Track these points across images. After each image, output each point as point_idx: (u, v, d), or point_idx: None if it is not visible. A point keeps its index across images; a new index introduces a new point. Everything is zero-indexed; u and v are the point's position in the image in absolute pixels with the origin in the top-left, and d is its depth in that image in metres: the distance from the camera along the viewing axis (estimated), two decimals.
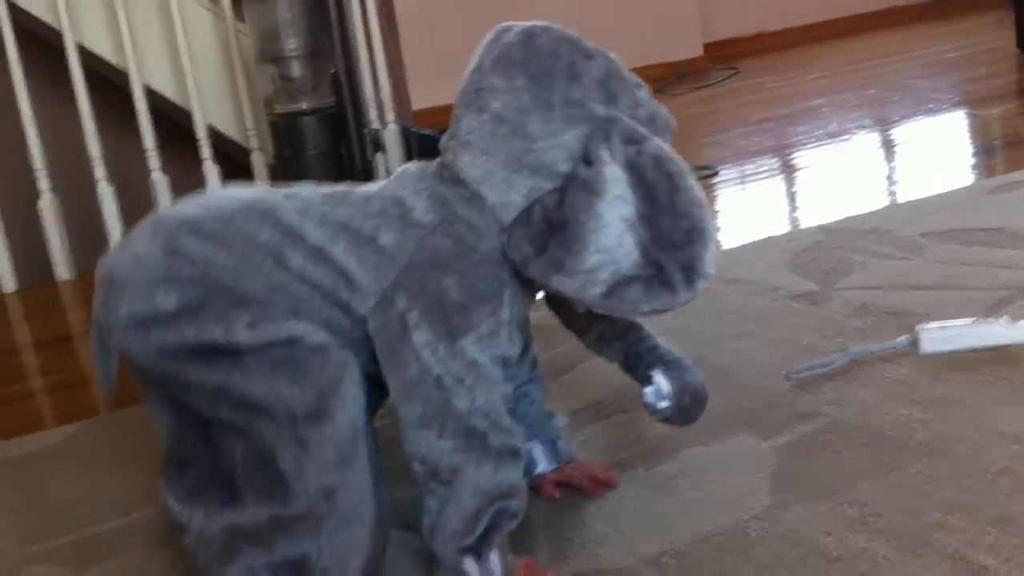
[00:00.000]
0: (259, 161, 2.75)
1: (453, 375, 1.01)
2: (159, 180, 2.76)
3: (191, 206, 1.08)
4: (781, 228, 2.28)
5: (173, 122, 2.91)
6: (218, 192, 1.11)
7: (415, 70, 4.23)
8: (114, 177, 2.73)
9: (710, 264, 1.04)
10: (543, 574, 1.07)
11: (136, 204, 2.81)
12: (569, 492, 1.25)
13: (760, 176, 2.82)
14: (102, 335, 1.05)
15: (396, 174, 1.13)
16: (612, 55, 1.09)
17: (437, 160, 1.11)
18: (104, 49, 2.74)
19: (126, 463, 1.48)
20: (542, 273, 1.02)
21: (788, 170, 2.85)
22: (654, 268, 1.02)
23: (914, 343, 1.50)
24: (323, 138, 2.15)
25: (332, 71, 2.18)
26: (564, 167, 1.03)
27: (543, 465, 1.25)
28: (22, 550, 1.29)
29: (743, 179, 2.80)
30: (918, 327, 1.51)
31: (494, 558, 1.03)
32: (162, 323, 1.00)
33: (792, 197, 2.57)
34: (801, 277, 1.88)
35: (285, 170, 2.18)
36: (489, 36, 1.09)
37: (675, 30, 4.89)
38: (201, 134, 2.78)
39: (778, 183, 2.73)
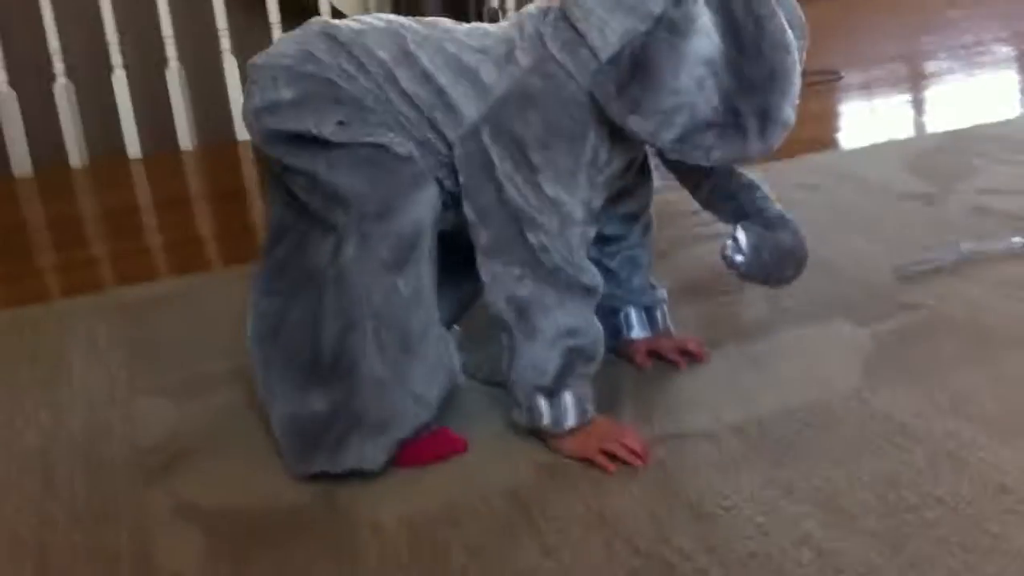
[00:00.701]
0: None
1: (529, 206, 1.03)
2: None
3: (356, 20, 1.13)
4: (904, 133, 2.21)
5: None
6: (383, 14, 1.15)
7: None
8: (238, 51, 2.78)
9: (788, 113, 1.00)
10: (624, 431, 1.08)
11: None
12: (660, 362, 1.26)
13: (887, 83, 2.73)
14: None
15: (520, 11, 1.14)
16: None
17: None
18: None
19: (232, 315, 1.53)
20: (619, 112, 1.01)
21: (916, 78, 2.75)
22: (732, 115, 0.99)
23: None
24: (441, 13, 2.13)
25: None
26: (657, 7, 1.01)
27: (637, 331, 1.25)
28: (132, 383, 1.35)
29: (869, 85, 2.71)
30: None
31: (568, 400, 1.05)
32: (277, 112, 1.07)
33: (918, 104, 2.48)
34: (919, 178, 1.83)
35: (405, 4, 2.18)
36: None
37: None
38: (324, 8, 2.80)
39: (905, 90, 2.64)
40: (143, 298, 1.66)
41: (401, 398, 1.06)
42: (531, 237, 1.03)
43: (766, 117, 0.99)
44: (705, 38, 0.99)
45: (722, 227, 1.46)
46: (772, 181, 1.80)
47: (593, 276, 1.07)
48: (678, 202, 1.76)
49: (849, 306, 1.36)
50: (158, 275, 1.80)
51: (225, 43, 2.77)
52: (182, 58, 2.77)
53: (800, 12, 1.08)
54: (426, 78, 1.07)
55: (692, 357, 1.26)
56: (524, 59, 1.06)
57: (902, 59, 2.97)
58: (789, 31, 1.00)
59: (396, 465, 1.07)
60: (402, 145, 1.06)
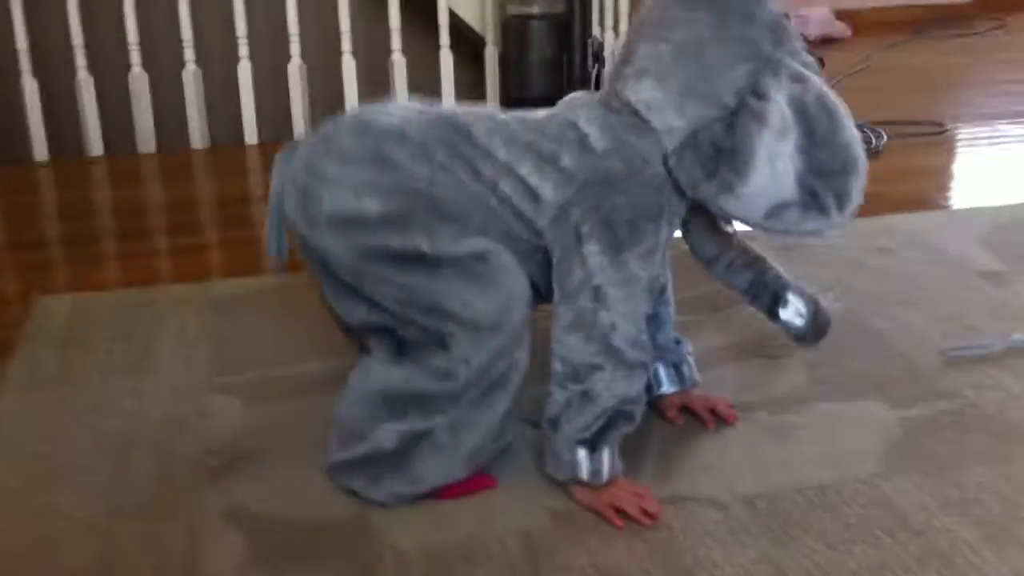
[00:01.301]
0: (492, 55, 2.86)
1: (612, 284, 1.12)
2: (398, 61, 2.92)
3: (391, 114, 1.17)
4: (991, 199, 2.22)
5: (424, 5, 3.04)
6: (408, 104, 1.22)
7: None
8: (359, 52, 2.90)
9: (859, 194, 1.13)
10: (641, 492, 1.16)
11: (376, 82, 2.99)
12: (689, 420, 1.33)
13: (989, 141, 2.72)
14: (291, 225, 1.17)
15: (564, 101, 1.22)
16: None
17: (604, 88, 1.19)
18: None
19: (315, 318, 1.64)
20: (712, 195, 1.11)
21: (1016, 139, 2.72)
22: (808, 195, 1.12)
23: None
24: (548, 43, 2.23)
25: None
26: (730, 98, 1.11)
27: (667, 386, 1.33)
28: (210, 379, 1.47)
29: (971, 141, 2.70)
30: None
31: (605, 455, 1.14)
32: (366, 226, 1.11)
33: (1014, 168, 2.46)
34: (992, 254, 1.85)
35: (511, 68, 2.28)
36: None
37: None
38: (443, 20, 2.90)
39: (1005, 152, 2.62)
40: (239, 293, 1.78)
41: (448, 464, 1.16)
42: (604, 316, 1.12)
43: (844, 198, 1.13)
44: (785, 127, 1.11)
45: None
46: (847, 242, 1.87)
47: (649, 351, 1.17)
48: None
49: (887, 385, 1.41)
50: (259, 270, 1.91)
51: (346, 44, 2.89)
52: (304, 54, 2.90)
53: (814, 60, 1.19)
54: (507, 170, 1.14)
55: (721, 419, 1.33)
56: (599, 144, 1.14)
57: (1011, 116, 2.94)
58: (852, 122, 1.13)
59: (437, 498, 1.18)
60: (500, 251, 1.13)
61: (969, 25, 4.40)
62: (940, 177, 2.38)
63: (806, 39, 3.77)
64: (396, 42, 2.91)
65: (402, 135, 1.14)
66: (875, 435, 1.29)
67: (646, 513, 1.13)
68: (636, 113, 1.14)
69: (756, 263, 1.29)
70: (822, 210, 1.12)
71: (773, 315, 1.28)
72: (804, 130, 1.11)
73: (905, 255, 1.85)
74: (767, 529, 1.12)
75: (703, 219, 1.24)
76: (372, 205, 1.11)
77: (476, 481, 1.19)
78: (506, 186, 1.13)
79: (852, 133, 1.13)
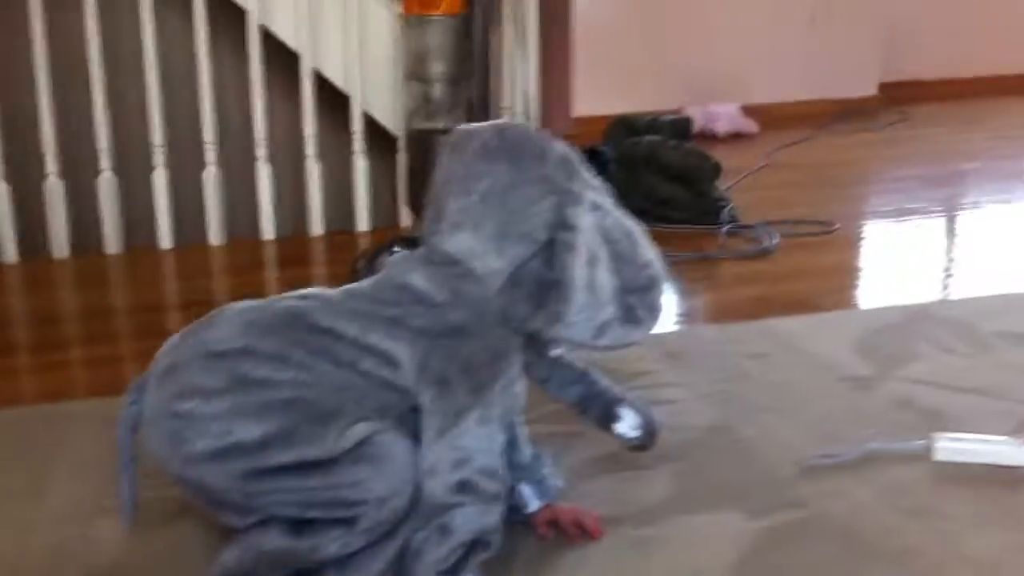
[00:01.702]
0: (403, 162, 2.96)
1: (474, 422, 1.21)
2: (311, 167, 3.01)
3: (230, 329, 1.21)
4: (871, 301, 2.34)
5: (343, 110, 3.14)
6: (238, 308, 1.25)
7: (586, 78, 4.38)
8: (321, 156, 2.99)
9: (663, 304, 1.27)
10: None
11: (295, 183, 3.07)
12: (559, 535, 1.40)
13: (874, 240, 2.86)
14: (160, 464, 1.22)
15: (389, 263, 1.30)
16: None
17: (421, 247, 1.29)
18: (285, 33, 2.97)
19: None
20: (544, 326, 1.23)
21: (904, 238, 2.86)
22: (625, 310, 1.24)
23: (929, 448, 1.58)
24: None
25: (469, 97, 2.35)
26: (541, 233, 1.24)
27: (533, 504, 1.40)
28: (96, 502, 1.52)
29: (856, 242, 2.84)
30: (934, 434, 1.58)
31: None
32: (248, 453, 1.15)
33: (894, 269, 2.59)
34: (861, 359, 1.95)
35: (417, 180, 2.37)
36: (459, 135, 1.28)
37: (851, 67, 4.85)
38: (356, 127, 3.00)
39: (889, 250, 2.76)
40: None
41: None
42: (463, 455, 1.20)
43: (653, 307, 1.27)
44: (594, 253, 1.22)
45: (664, 393, 1.61)
46: (728, 347, 1.97)
47: (506, 481, 1.26)
48: (617, 361, 1.92)
49: (745, 496, 1.49)
50: None
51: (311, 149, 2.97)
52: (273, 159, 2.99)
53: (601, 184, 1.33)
54: (360, 346, 1.20)
55: (589, 534, 1.40)
56: (439, 297, 1.23)
57: (899, 215, 3.09)
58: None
59: None
60: (384, 431, 1.20)
61: (872, 118, 4.61)
62: (824, 278, 2.50)
63: (715, 135, 3.98)
64: (311, 148, 3.01)
65: (249, 351, 1.18)
66: (728, 547, 1.37)
67: None
68: (459, 263, 1.23)
69: (584, 378, 1.42)
70: (639, 322, 1.25)
71: (605, 427, 1.42)
72: (610, 252, 1.24)
73: (779, 360, 1.95)
74: None
75: (533, 345, 1.34)
76: (247, 432, 1.15)
77: None
78: (365, 363, 1.20)
79: (650, 249, 1.27)
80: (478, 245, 1.23)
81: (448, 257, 1.24)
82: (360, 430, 1.18)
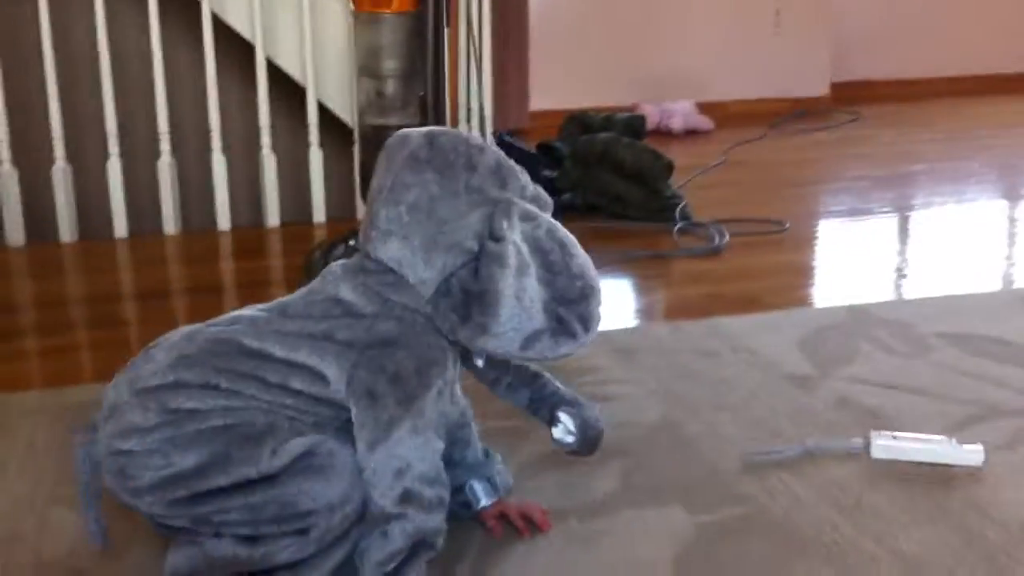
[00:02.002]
0: (358, 156, 2.99)
1: (407, 432, 1.22)
2: (267, 157, 3.02)
3: (161, 364, 1.24)
4: (816, 299, 2.39)
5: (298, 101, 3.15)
6: (170, 342, 1.27)
7: (542, 73, 4.41)
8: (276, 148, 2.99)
9: (599, 315, 1.25)
10: None
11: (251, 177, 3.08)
12: (509, 528, 1.43)
13: (824, 240, 2.92)
14: (112, 495, 1.24)
15: (322, 275, 1.31)
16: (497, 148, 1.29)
17: (358, 254, 1.30)
18: (239, 23, 2.98)
19: None
20: (469, 337, 1.22)
21: (853, 238, 2.93)
22: (556, 322, 1.22)
23: (867, 447, 1.63)
24: None
25: (422, 93, 2.37)
26: (472, 243, 1.23)
27: (484, 500, 1.43)
28: (51, 490, 1.53)
29: (806, 241, 2.89)
30: (872, 433, 1.63)
31: None
32: (187, 479, 1.18)
33: (842, 269, 2.65)
34: (804, 358, 2.00)
35: (371, 176, 2.39)
36: (393, 140, 1.28)
37: (804, 66, 4.92)
38: (312, 119, 3.02)
39: (838, 250, 2.82)
40: (94, 399, 1.83)
41: None
42: (400, 464, 1.21)
43: (586, 320, 1.23)
44: (524, 264, 1.21)
45: (613, 389, 1.65)
46: (677, 345, 2.01)
47: (447, 485, 1.26)
48: (561, 368, 1.95)
49: (690, 490, 1.53)
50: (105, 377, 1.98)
51: (265, 140, 2.98)
52: (225, 149, 2.99)
53: (542, 191, 1.30)
54: (288, 364, 1.22)
55: (537, 527, 1.43)
56: (368, 309, 1.25)
57: (850, 214, 3.15)
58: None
59: None
60: (324, 441, 1.22)
61: (825, 118, 4.69)
62: (772, 277, 2.55)
63: (670, 132, 4.01)
64: (266, 139, 3.02)
65: (179, 384, 1.21)
66: (671, 541, 1.41)
67: None
68: (390, 271, 1.25)
69: (534, 380, 1.42)
70: (571, 334, 1.22)
71: (549, 430, 1.42)
72: (541, 262, 1.22)
73: (727, 359, 2.00)
74: None
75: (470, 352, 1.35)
76: (184, 461, 1.19)
77: None
78: (295, 381, 1.22)
79: (583, 260, 1.24)
80: (408, 255, 1.23)
81: (380, 265, 1.25)
82: (297, 444, 1.21)
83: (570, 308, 1.22)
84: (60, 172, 2.88)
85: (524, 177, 1.28)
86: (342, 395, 1.23)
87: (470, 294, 1.21)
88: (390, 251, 1.24)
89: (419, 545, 1.24)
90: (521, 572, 1.34)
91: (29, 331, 2.24)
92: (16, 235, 2.86)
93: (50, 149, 2.87)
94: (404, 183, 1.23)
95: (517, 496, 1.50)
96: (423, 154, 1.23)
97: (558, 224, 1.25)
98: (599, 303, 1.24)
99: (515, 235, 1.21)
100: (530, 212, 1.22)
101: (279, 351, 1.23)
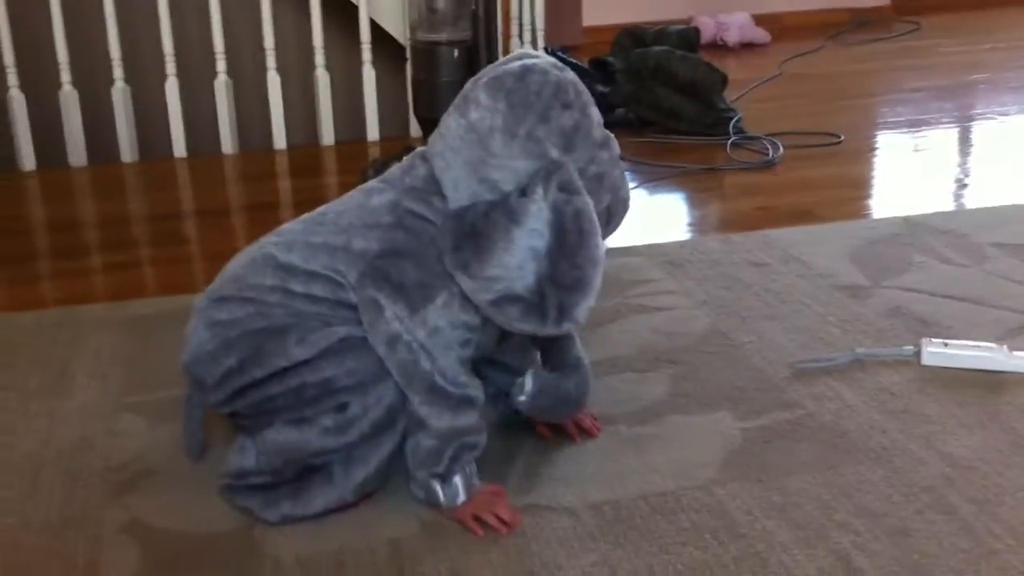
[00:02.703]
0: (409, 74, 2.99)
1: (418, 340, 1.25)
2: (322, 76, 3.04)
3: (217, 281, 1.35)
4: (870, 211, 2.38)
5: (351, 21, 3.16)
6: (234, 262, 1.36)
7: None
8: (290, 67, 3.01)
9: (582, 314, 1.21)
10: (499, 502, 1.29)
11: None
12: (557, 434, 1.46)
13: (880, 152, 2.88)
14: (196, 404, 1.37)
15: (384, 175, 1.34)
16: (590, 109, 1.25)
17: (417, 150, 1.33)
18: None
19: None
20: (451, 266, 1.22)
21: (908, 150, 2.89)
22: (538, 297, 1.21)
23: (917, 354, 1.63)
24: (456, 68, 2.35)
25: (473, 7, 2.37)
26: (507, 187, 1.22)
27: (530, 387, 1.38)
28: (121, 399, 1.59)
29: (862, 154, 2.86)
30: (922, 340, 1.64)
31: (457, 481, 1.28)
32: (233, 375, 1.28)
33: (897, 181, 2.63)
34: (856, 268, 2.00)
35: (422, 91, 2.41)
36: (506, 57, 1.28)
37: None
38: (364, 37, 3.02)
39: (894, 163, 2.79)
40: (159, 312, 1.89)
41: (339, 493, 1.29)
42: (423, 363, 1.25)
43: (564, 311, 1.21)
44: (536, 231, 1.20)
45: (663, 300, 1.67)
46: (726, 256, 2.02)
47: (476, 389, 1.29)
48: (618, 270, 1.98)
49: (738, 398, 1.55)
50: (186, 289, 2.03)
51: (271, 61, 3.00)
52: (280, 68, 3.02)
53: (628, 193, 1.30)
54: (309, 274, 1.28)
55: (586, 432, 1.47)
56: (385, 219, 1.27)
57: (908, 126, 3.11)
58: (603, 247, 1.21)
59: None
60: (352, 334, 1.26)
61: (886, 28, 4.59)
62: (828, 189, 2.53)
63: (726, 45, 3.96)
64: (320, 58, 3.03)
65: (220, 296, 1.32)
66: (718, 445, 1.43)
67: (503, 521, 1.27)
68: (431, 177, 1.26)
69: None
70: (542, 316, 1.20)
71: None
72: (556, 238, 1.20)
73: (777, 269, 2.00)
74: (609, 534, 1.26)
75: None
76: (229, 360, 1.28)
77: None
78: (317, 288, 1.27)
79: (594, 256, 1.20)
80: (450, 167, 1.24)
81: (427, 167, 1.27)
82: (324, 334, 1.26)
83: (557, 292, 1.20)
84: (119, 93, 2.92)
85: (603, 154, 1.25)
86: (356, 299, 1.27)
87: (474, 231, 1.21)
88: (436, 159, 1.26)
89: (461, 448, 1.28)
90: (571, 474, 1.38)
91: (94, 248, 2.30)
92: (78, 156, 2.91)
93: (110, 69, 2.91)
94: (477, 100, 1.23)
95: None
96: (509, 82, 1.22)
97: (591, 210, 1.20)
98: (585, 302, 1.20)
99: (545, 201, 1.19)
100: (572, 185, 1.20)
101: (301, 262, 1.28)
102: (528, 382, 1.32)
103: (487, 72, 1.26)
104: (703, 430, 1.47)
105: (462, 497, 1.28)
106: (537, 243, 1.20)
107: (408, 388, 1.26)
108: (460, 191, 1.24)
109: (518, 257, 1.20)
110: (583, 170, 1.23)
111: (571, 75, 1.26)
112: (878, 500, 1.30)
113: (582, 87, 1.26)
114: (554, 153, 1.22)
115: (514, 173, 1.22)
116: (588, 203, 1.21)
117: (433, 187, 1.26)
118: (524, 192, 1.21)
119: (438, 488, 1.28)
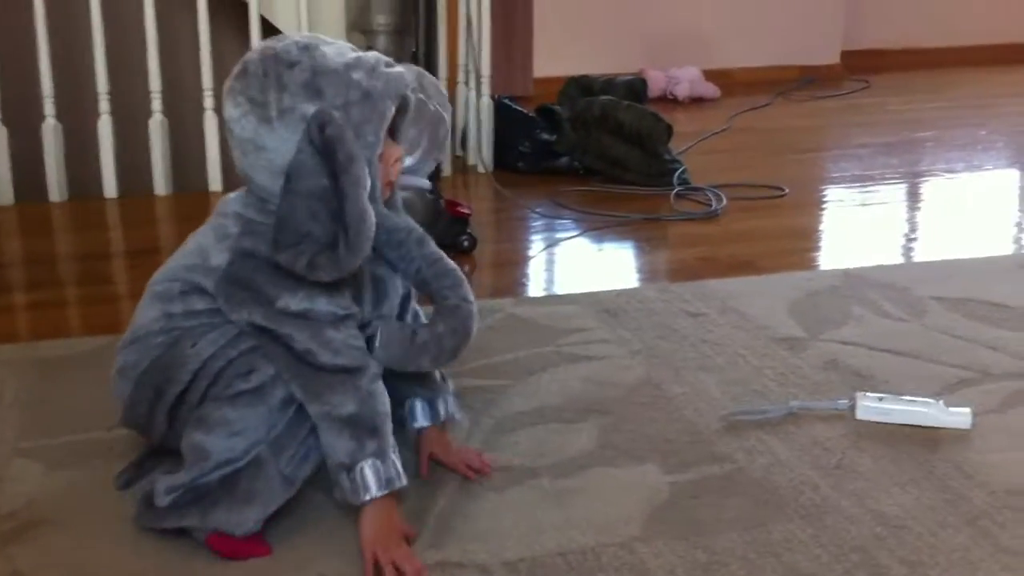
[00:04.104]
0: None
1: (283, 330, 1.25)
2: None
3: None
4: (811, 264, 2.35)
5: None
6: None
7: (546, 40, 4.35)
8: None
9: (366, 235, 1.21)
10: (403, 555, 1.23)
11: None
12: (480, 487, 1.40)
13: (824, 206, 2.86)
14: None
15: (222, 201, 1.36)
16: (320, 52, 1.25)
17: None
18: None
19: None
20: (272, 252, 1.23)
21: (853, 204, 2.87)
22: (334, 232, 1.22)
23: (852, 408, 1.58)
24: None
25: (413, 49, 2.33)
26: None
27: (421, 421, 1.42)
28: (16, 443, 1.50)
29: (806, 207, 2.84)
30: (857, 394, 1.59)
31: (366, 474, 1.24)
32: (157, 402, 1.32)
33: (840, 234, 2.60)
34: (794, 320, 1.96)
35: None
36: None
37: (814, 34, 4.84)
38: None
39: (837, 216, 2.77)
40: (70, 354, 1.81)
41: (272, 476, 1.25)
42: (298, 348, 1.25)
43: (347, 230, 1.21)
44: (312, 177, 1.22)
45: (596, 349, 1.62)
46: (665, 306, 1.97)
47: (358, 356, 1.27)
48: (552, 317, 1.92)
49: (668, 450, 1.49)
50: (90, 330, 1.95)
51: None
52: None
53: (379, 79, 1.27)
54: (183, 294, 1.32)
55: (479, 472, 1.42)
56: (232, 231, 1.29)
57: (852, 180, 3.10)
58: (358, 156, 1.21)
59: (206, 545, 1.25)
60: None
61: (836, 86, 4.62)
62: (770, 241, 2.50)
63: (676, 99, 3.95)
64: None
65: (122, 347, 1.36)
66: (644, 500, 1.37)
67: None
68: (258, 195, 1.29)
69: (436, 279, 1.36)
70: (335, 251, 1.21)
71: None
72: (329, 172, 1.21)
73: (715, 320, 1.96)
74: None
75: None
76: (145, 395, 1.33)
77: (249, 547, 1.25)
78: (193, 303, 1.32)
79: (356, 178, 1.20)
80: (264, 180, 1.26)
81: (253, 192, 1.30)
82: (218, 333, 1.30)
83: (343, 223, 1.20)
84: (50, 129, 2.84)
85: (356, 74, 1.24)
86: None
87: (277, 213, 1.23)
88: (252, 184, 1.28)
89: (359, 432, 1.24)
90: (487, 529, 1.31)
91: (18, 287, 2.21)
92: (5, 194, 2.83)
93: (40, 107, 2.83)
94: (228, 116, 1.26)
95: (492, 452, 1.47)
96: (237, 84, 1.25)
97: (349, 135, 1.21)
98: (364, 224, 1.20)
99: (310, 147, 1.21)
100: (328, 121, 1.20)
101: (173, 286, 1.32)
102: (378, 332, 1.32)
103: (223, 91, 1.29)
104: (629, 484, 1.41)
105: (373, 491, 1.23)
106: (319, 189, 1.22)
107: (289, 379, 1.26)
108: (275, 194, 1.25)
109: (309, 206, 1.22)
110: (347, 101, 1.24)
111: (286, 39, 1.28)
112: (806, 560, 1.25)
113: (300, 40, 1.27)
114: (309, 109, 1.23)
115: (295, 148, 1.23)
116: (340, 126, 1.21)
117: (262, 202, 1.29)
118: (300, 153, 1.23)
119: (344, 480, 1.24)
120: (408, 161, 1.37)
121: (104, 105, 2.86)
